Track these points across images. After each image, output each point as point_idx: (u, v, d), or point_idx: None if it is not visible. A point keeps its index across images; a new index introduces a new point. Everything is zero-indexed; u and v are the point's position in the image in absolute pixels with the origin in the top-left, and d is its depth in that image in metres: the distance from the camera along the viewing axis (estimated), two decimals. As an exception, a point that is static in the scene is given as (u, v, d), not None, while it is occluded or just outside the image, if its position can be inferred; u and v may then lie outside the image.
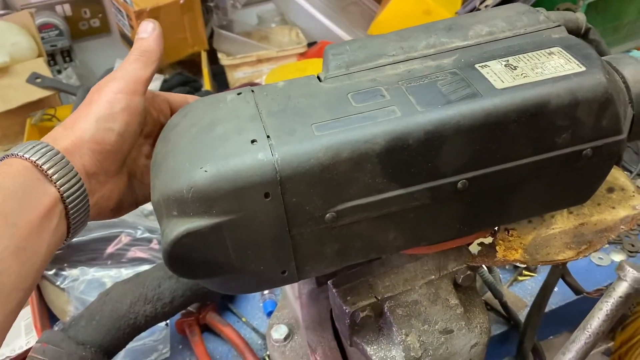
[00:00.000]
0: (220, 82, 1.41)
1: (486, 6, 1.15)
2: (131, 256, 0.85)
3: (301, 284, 0.57)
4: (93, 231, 0.85)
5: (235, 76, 1.39)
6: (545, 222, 0.48)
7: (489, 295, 0.78)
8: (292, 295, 0.63)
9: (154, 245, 0.86)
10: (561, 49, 0.40)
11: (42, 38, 1.31)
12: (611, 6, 1.20)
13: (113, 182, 0.42)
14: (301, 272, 0.40)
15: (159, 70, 1.32)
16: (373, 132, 0.36)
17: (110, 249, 0.85)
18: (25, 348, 0.77)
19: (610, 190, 0.50)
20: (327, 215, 0.37)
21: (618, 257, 0.90)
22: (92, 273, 0.84)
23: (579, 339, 0.44)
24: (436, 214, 0.40)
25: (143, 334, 0.72)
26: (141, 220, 0.87)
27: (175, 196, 0.35)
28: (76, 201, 0.37)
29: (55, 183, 0.36)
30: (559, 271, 0.63)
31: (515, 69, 0.39)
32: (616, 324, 1.13)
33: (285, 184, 0.35)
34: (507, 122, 0.37)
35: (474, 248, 0.48)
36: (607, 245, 0.91)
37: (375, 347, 0.46)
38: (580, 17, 0.46)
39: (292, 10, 1.50)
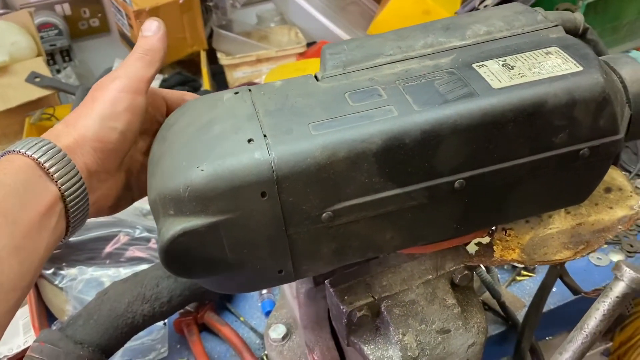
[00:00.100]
0: (220, 82, 1.41)
1: (485, 6, 1.15)
2: (129, 255, 0.85)
3: (299, 283, 0.56)
4: (91, 230, 0.85)
5: (234, 76, 1.39)
6: (543, 222, 0.48)
7: (487, 295, 0.78)
8: (290, 295, 0.63)
9: (153, 244, 0.87)
10: (559, 49, 0.40)
11: (42, 37, 1.31)
12: (610, 6, 1.20)
13: (112, 180, 0.42)
14: (298, 271, 0.40)
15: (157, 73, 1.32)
16: (370, 132, 0.36)
17: (108, 249, 0.85)
18: (23, 347, 0.77)
19: (608, 190, 0.50)
20: (324, 214, 0.37)
21: (616, 258, 0.90)
22: (91, 272, 0.84)
23: (576, 338, 0.44)
24: (433, 213, 0.40)
25: (141, 333, 0.72)
26: (140, 220, 0.87)
27: (172, 195, 0.35)
28: (76, 200, 0.37)
29: (56, 181, 0.36)
30: (557, 271, 0.63)
31: (513, 68, 0.39)
32: (615, 324, 1.14)
33: (282, 183, 0.35)
34: (504, 122, 0.37)
35: (472, 248, 0.48)
36: (605, 246, 0.91)
37: (372, 346, 0.46)
38: (578, 17, 0.46)
39: (291, 10, 1.50)
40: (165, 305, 0.71)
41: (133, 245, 0.86)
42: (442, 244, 0.45)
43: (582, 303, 0.81)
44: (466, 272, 0.47)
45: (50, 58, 1.38)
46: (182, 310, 0.80)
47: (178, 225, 0.35)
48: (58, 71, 1.40)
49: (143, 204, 0.85)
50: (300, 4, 1.44)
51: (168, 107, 0.46)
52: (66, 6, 1.39)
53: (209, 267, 0.38)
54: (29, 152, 0.36)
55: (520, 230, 0.47)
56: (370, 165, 0.36)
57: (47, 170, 0.36)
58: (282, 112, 0.38)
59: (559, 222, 0.48)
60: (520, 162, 0.39)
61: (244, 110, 0.38)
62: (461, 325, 0.46)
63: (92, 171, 0.39)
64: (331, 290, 0.46)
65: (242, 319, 0.84)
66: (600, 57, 0.43)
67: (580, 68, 0.39)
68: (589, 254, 0.47)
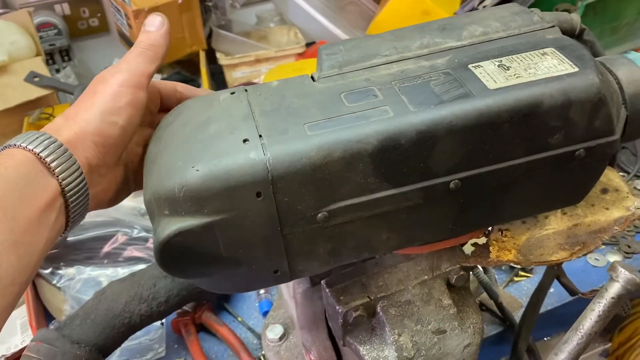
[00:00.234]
0: (219, 82, 1.41)
1: (484, 7, 1.15)
2: (127, 255, 0.85)
3: (296, 283, 0.56)
4: (89, 230, 0.85)
5: (233, 76, 1.39)
6: (539, 223, 0.48)
7: (484, 295, 0.78)
8: (287, 295, 0.63)
9: (151, 244, 0.87)
10: (555, 50, 0.40)
11: (41, 37, 1.31)
12: (609, 7, 1.20)
13: (112, 174, 0.42)
14: (293, 271, 0.40)
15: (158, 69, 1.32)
16: (365, 132, 0.36)
17: (106, 248, 0.85)
18: (20, 347, 0.77)
19: (604, 191, 0.50)
20: (319, 215, 0.37)
21: (614, 258, 0.90)
22: (89, 272, 0.84)
23: (571, 339, 0.44)
24: (429, 214, 0.40)
25: (138, 333, 0.73)
26: (137, 220, 0.87)
27: (167, 195, 0.35)
28: (77, 195, 0.37)
29: (57, 176, 0.36)
30: (554, 272, 0.63)
31: (509, 69, 0.39)
32: (614, 325, 1.14)
33: (277, 184, 0.35)
34: (499, 123, 0.37)
35: (468, 248, 0.48)
36: (603, 246, 0.91)
37: (368, 347, 0.46)
38: (574, 18, 0.46)
39: (291, 10, 1.50)
40: (162, 305, 0.71)
41: (131, 245, 0.86)
42: (438, 244, 0.45)
43: (579, 304, 0.80)
44: (462, 272, 0.47)
45: (50, 58, 1.38)
46: (179, 310, 0.80)
47: (173, 225, 0.35)
48: (57, 71, 1.40)
49: (141, 203, 0.85)
50: (300, 4, 1.44)
51: (162, 98, 0.46)
52: (65, 6, 1.39)
53: (204, 267, 0.38)
54: (30, 146, 0.36)
55: (516, 231, 0.47)
56: (365, 165, 0.36)
57: (49, 165, 0.36)
58: (278, 112, 0.38)
59: (555, 223, 0.48)
60: (515, 163, 0.39)
61: (240, 110, 0.38)
62: (457, 326, 0.46)
63: (92, 165, 0.39)
64: (327, 290, 0.46)
65: (239, 319, 0.84)
66: (596, 58, 0.43)
67: (576, 69, 0.39)
68: (585, 254, 0.47)
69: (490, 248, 0.46)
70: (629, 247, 0.91)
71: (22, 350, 0.76)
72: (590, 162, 0.41)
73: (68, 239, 0.84)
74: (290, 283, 0.57)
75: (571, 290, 0.65)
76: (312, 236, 0.38)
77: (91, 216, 0.83)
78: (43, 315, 0.84)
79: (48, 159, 0.36)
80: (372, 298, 0.45)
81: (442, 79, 0.39)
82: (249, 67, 1.39)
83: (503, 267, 0.89)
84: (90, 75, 1.45)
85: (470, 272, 0.66)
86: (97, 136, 0.38)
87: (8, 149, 0.36)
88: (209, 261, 0.37)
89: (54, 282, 0.82)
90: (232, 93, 0.41)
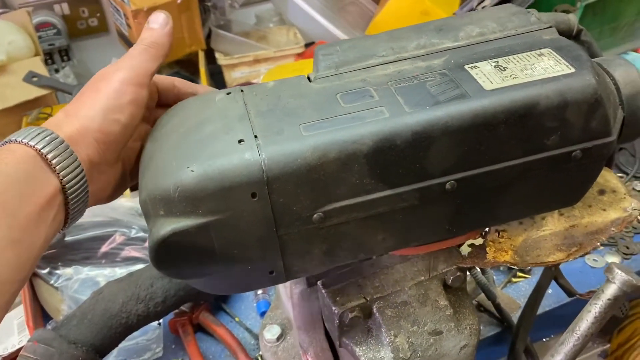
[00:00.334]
0: (218, 82, 1.40)
1: (483, 7, 1.15)
2: (125, 255, 0.85)
3: (293, 283, 0.56)
4: (87, 230, 0.85)
5: (232, 76, 1.39)
6: (536, 224, 0.48)
7: (482, 296, 0.78)
8: (284, 295, 0.63)
9: (148, 244, 0.86)
10: (551, 50, 0.40)
11: (40, 37, 1.31)
12: (609, 8, 1.19)
13: (111, 171, 0.42)
14: (289, 272, 0.40)
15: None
16: (361, 133, 0.36)
17: (104, 248, 0.85)
18: (17, 347, 0.77)
19: (602, 192, 0.50)
20: (315, 215, 0.37)
21: (613, 260, 0.90)
22: (86, 272, 0.84)
23: (567, 341, 0.44)
24: (425, 215, 0.40)
25: (136, 333, 0.72)
26: (135, 220, 0.87)
27: (162, 196, 0.35)
28: (77, 192, 0.37)
29: (58, 174, 0.36)
30: (552, 273, 0.63)
31: (505, 70, 0.39)
32: (612, 326, 1.13)
33: (272, 184, 0.35)
34: (495, 124, 0.37)
35: (465, 249, 0.48)
36: (601, 247, 0.91)
37: (364, 348, 0.46)
38: (571, 19, 0.46)
39: (290, 10, 1.50)
40: (159, 305, 0.71)
41: (129, 245, 0.86)
42: (434, 245, 0.45)
43: (577, 305, 0.80)
44: (459, 273, 0.47)
45: (49, 57, 1.38)
46: (177, 311, 0.80)
47: (168, 226, 0.35)
48: (57, 71, 1.39)
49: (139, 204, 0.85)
50: (299, 5, 1.43)
51: (160, 93, 0.46)
52: (65, 6, 1.39)
53: (199, 268, 0.38)
54: (31, 142, 0.35)
55: (513, 232, 0.47)
56: (361, 166, 0.36)
57: (50, 161, 0.35)
58: (273, 112, 0.38)
59: (552, 224, 0.47)
60: (512, 164, 0.39)
61: (235, 110, 0.38)
62: (453, 327, 0.46)
63: (93, 163, 0.38)
64: (323, 291, 0.46)
65: (237, 319, 0.84)
66: (594, 59, 0.43)
67: (573, 70, 0.38)
68: (582, 256, 0.46)
69: (487, 249, 0.46)
70: (628, 248, 0.91)
71: (19, 350, 0.76)
72: (587, 163, 0.41)
73: (66, 238, 0.84)
74: (288, 283, 0.57)
75: (569, 292, 0.65)
76: (307, 237, 0.38)
77: (89, 216, 0.83)
78: (40, 315, 0.84)
79: (49, 156, 0.35)
80: (368, 299, 0.45)
81: (439, 79, 0.39)
82: (248, 67, 1.39)
83: (501, 268, 0.89)
84: (90, 75, 1.43)
85: (468, 273, 0.66)
86: (98, 133, 0.38)
87: (8, 145, 0.36)
88: (204, 262, 0.37)
89: (52, 282, 0.82)
90: (228, 93, 0.41)
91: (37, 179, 0.35)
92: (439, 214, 0.40)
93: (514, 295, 0.85)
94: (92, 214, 0.85)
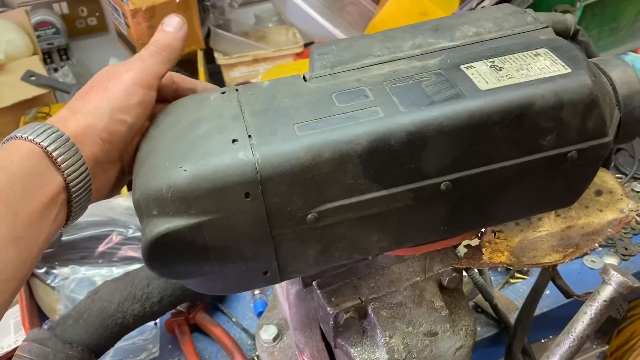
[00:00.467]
0: (217, 82, 1.40)
1: (482, 7, 1.14)
2: (122, 255, 0.85)
3: (289, 284, 0.56)
4: (84, 230, 0.85)
5: (231, 76, 1.39)
6: (532, 225, 0.48)
7: (479, 297, 0.77)
8: (281, 296, 0.63)
9: (146, 244, 0.86)
10: (547, 51, 0.40)
11: (39, 36, 1.31)
12: (608, 8, 1.19)
13: (114, 169, 0.42)
14: (283, 272, 0.39)
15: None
16: (355, 133, 0.35)
17: (101, 248, 0.85)
18: (13, 346, 0.77)
19: (599, 193, 0.49)
20: (309, 216, 0.36)
21: (611, 261, 0.89)
22: (83, 272, 0.83)
23: (563, 342, 0.44)
24: (420, 215, 0.40)
25: (132, 333, 0.72)
26: (133, 220, 0.87)
27: (155, 195, 0.35)
28: (80, 190, 0.37)
29: (63, 172, 0.35)
30: (549, 274, 0.63)
31: (501, 70, 0.39)
32: (612, 327, 1.13)
33: (266, 184, 0.35)
34: (490, 124, 0.37)
35: (461, 250, 0.48)
36: (600, 249, 0.91)
37: (359, 348, 0.46)
38: (569, 19, 0.46)
39: (289, 10, 1.50)
40: (156, 305, 0.70)
41: (126, 245, 0.85)
42: (429, 246, 0.45)
43: (575, 306, 0.80)
44: (454, 274, 0.47)
45: (48, 57, 1.38)
46: (173, 311, 0.80)
47: (161, 226, 0.35)
48: (55, 70, 1.39)
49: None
50: (298, 4, 1.43)
51: (158, 89, 0.46)
52: (64, 5, 1.39)
53: (193, 268, 0.37)
54: (37, 139, 0.35)
55: (509, 233, 0.47)
56: (355, 166, 0.36)
57: (55, 159, 0.35)
58: (268, 112, 0.38)
59: (549, 225, 0.47)
60: (507, 165, 0.38)
61: (230, 110, 0.38)
62: (449, 328, 0.46)
63: (98, 161, 0.38)
64: (318, 291, 0.46)
65: (234, 319, 0.84)
66: (591, 59, 0.42)
67: (569, 70, 0.38)
68: (578, 257, 0.46)
69: (483, 250, 0.46)
70: (626, 249, 0.90)
71: (15, 350, 0.75)
72: (583, 163, 0.41)
73: (63, 238, 0.84)
74: (284, 284, 0.56)
75: (566, 293, 0.65)
76: (301, 237, 0.38)
77: (86, 215, 0.83)
78: (37, 315, 0.83)
79: (55, 153, 0.35)
80: (363, 300, 0.45)
81: (434, 79, 0.39)
82: (247, 67, 1.39)
83: (499, 269, 0.89)
84: (89, 75, 1.45)
85: (466, 274, 0.65)
86: (104, 132, 0.38)
87: (13, 141, 0.36)
88: (198, 262, 0.37)
89: (48, 281, 0.81)
90: (223, 93, 0.40)
91: (41, 177, 0.35)
92: (434, 214, 0.40)
93: (512, 296, 0.85)
94: (89, 213, 0.84)
